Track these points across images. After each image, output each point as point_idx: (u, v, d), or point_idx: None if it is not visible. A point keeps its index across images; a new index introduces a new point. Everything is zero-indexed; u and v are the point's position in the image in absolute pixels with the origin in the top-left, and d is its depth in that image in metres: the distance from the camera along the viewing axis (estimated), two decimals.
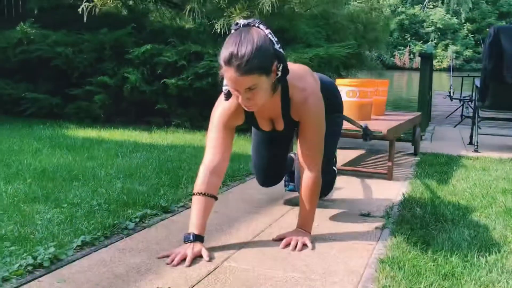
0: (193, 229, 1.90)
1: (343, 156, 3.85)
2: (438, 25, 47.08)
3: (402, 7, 49.65)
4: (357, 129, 3.07)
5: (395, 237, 2.07)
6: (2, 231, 1.93)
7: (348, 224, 2.32)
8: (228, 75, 1.76)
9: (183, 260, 1.79)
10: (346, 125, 2.83)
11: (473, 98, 5.55)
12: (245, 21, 1.81)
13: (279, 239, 2.01)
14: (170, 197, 2.56)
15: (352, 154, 4.18)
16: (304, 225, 2.06)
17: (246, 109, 1.89)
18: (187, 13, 5.07)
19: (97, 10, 5.50)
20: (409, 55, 45.58)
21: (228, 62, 1.72)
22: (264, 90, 1.81)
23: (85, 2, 5.20)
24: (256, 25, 1.80)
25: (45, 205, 2.32)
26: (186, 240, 1.88)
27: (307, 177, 2.02)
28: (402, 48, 45.90)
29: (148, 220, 2.27)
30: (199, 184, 1.95)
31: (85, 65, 5.79)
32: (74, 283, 1.58)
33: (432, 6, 49.50)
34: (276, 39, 1.82)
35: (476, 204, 2.66)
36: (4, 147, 3.83)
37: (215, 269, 1.74)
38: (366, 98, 3.75)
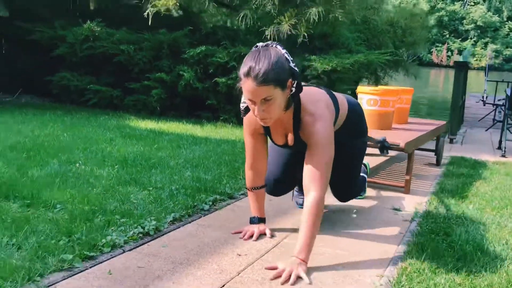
0: (256, 213, 2.40)
1: None
2: (478, 23, 46.30)
3: (442, 3, 48.98)
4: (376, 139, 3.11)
5: (421, 227, 2.53)
6: (111, 206, 2.48)
7: (381, 216, 2.79)
8: (246, 86, 1.91)
9: (251, 236, 2.30)
10: None
11: (505, 104, 5.86)
12: (264, 43, 1.99)
13: (271, 269, 1.97)
14: (232, 186, 3.07)
15: (373, 161, 4.06)
16: (301, 253, 1.97)
17: (261, 123, 2.04)
18: (240, 18, 5.56)
19: (158, 11, 6.06)
20: (447, 52, 45.02)
21: (247, 74, 1.89)
22: (278, 103, 1.95)
23: (150, 8, 5.73)
24: (274, 45, 1.99)
25: (135, 188, 2.86)
26: (252, 221, 2.39)
27: (309, 199, 2.02)
28: (440, 45, 45.38)
29: (218, 203, 2.79)
30: (247, 182, 2.39)
31: (144, 62, 6.37)
32: (174, 248, 2.11)
33: (473, 3, 48.64)
34: (291, 58, 1.99)
35: (494, 205, 3.08)
36: (82, 135, 4.42)
37: (277, 243, 2.25)
38: (388, 107, 3.74)
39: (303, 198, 2.48)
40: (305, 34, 5.36)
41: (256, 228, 2.34)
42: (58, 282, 1.70)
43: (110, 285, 1.72)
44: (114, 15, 7.05)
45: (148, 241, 2.16)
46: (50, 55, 6.71)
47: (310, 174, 2.03)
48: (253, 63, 1.89)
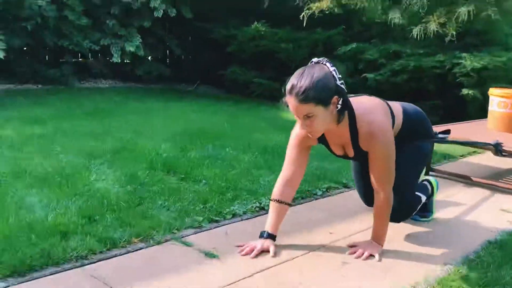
0: (268, 227, 2.30)
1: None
2: None
3: None
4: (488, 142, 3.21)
5: None
6: (241, 185, 3.13)
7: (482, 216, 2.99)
8: (289, 103, 2.03)
9: (252, 252, 2.21)
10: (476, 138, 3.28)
11: None
12: (317, 59, 2.10)
13: (352, 246, 2.33)
14: (349, 177, 3.50)
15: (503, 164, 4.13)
16: (376, 238, 2.31)
17: (310, 136, 2.15)
18: (389, 20, 5.82)
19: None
20: None
21: (290, 91, 2.01)
22: (321, 119, 2.04)
23: (305, 10, 6.30)
24: (324, 62, 2.07)
25: (266, 171, 3.48)
26: (261, 236, 2.28)
27: (377, 199, 2.25)
28: None
29: (332, 191, 3.26)
30: (275, 192, 2.32)
31: (301, 59, 6.98)
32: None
33: None
34: (339, 76, 2.05)
35: None
36: (240, 124, 5.21)
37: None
38: None
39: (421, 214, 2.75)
40: (454, 33, 5.41)
41: (259, 244, 2.24)
42: (188, 235, 2.38)
43: (224, 242, 2.35)
44: (279, 15, 7.78)
45: (262, 214, 2.75)
46: (224, 52, 7.72)
47: (377, 179, 2.20)
48: (296, 81, 2.00)
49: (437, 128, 3.25)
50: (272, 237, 2.29)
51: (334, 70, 2.05)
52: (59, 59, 7.24)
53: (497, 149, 3.17)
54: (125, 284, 1.88)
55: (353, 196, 3.12)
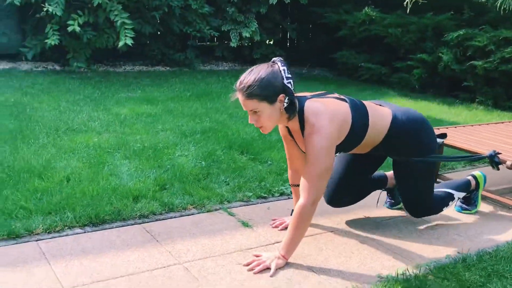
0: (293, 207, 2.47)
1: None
2: None
3: None
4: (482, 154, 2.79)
5: None
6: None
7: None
8: (238, 98, 2.15)
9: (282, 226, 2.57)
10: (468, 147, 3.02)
11: None
12: (275, 59, 2.17)
13: (256, 256, 2.25)
14: None
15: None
16: (283, 249, 2.20)
17: (261, 131, 2.22)
18: (499, 4, 5.59)
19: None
20: None
21: (237, 87, 2.12)
22: (267, 115, 2.12)
23: None
24: (277, 61, 2.14)
25: None
26: (291, 214, 2.45)
27: (298, 205, 2.17)
28: None
29: None
30: (289, 178, 2.59)
31: (410, 44, 6.96)
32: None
33: None
34: (288, 75, 2.09)
35: None
36: None
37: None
38: None
39: (389, 201, 2.92)
40: None
41: (287, 220, 2.57)
42: (235, 207, 2.84)
43: (262, 216, 2.76)
44: (389, 0, 7.75)
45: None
46: (336, 36, 7.95)
47: (303, 183, 2.16)
48: (244, 77, 2.11)
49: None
50: None
51: (284, 70, 2.11)
52: (185, 44, 8.04)
53: (493, 162, 2.62)
54: (169, 239, 2.39)
55: None
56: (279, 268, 2.19)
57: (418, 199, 2.59)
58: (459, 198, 2.84)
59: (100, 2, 6.15)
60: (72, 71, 6.71)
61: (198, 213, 2.74)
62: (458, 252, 2.43)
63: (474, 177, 2.94)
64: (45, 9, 5.98)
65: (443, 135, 2.83)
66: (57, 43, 6.19)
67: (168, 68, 7.84)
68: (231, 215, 2.73)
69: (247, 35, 7.72)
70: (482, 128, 3.67)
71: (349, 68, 7.86)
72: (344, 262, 2.30)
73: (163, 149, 3.67)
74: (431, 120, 4.96)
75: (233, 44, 7.80)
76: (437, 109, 5.90)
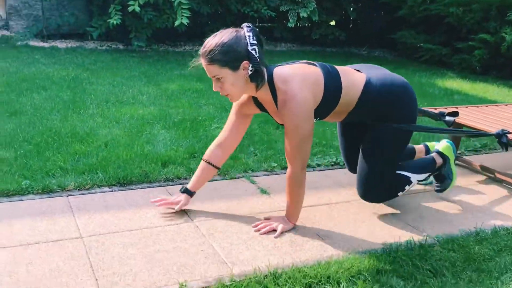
0: (190, 183, 2.40)
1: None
2: None
3: None
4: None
5: None
6: (333, 143, 3.51)
7: None
8: (202, 63, 2.07)
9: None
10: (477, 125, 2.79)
11: None
12: (243, 24, 2.09)
13: (267, 218, 2.34)
14: None
15: None
16: (287, 216, 2.29)
17: (230, 100, 2.16)
18: None
19: None
20: None
21: (201, 51, 2.04)
22: (230, 82, 2.04)
23: None
24: (244, 27, 2.06)
25: None
26: (180, 190, 2.41)
27: (288, 174, 2.21)
28: None
29: None
30: (206, 153, 2.39)
31: (472, 23, 6.67)
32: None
33: None
34: (254, 42, 2.01)
35: None
36: None
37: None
38: None
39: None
40: None
41: (172, 198, 2.43)
42: (258, 176, 2.93)
43: (282, 185, 2.82)
44: None
45: (334, 169, 3.13)
46: (396, 16, 7.75)
47: (287, 152, 2.17)
48: (207, 41, 2.04)
49: (444, 109, 2.90)
50: (188, 192, 2.39)
51: (249, 36, 2.03)
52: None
53: (501, 141, 2.50)
54: (200, 201, 2.51)
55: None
56: (286, 232, 2.27)
57: (378, 176, 2.37)
58: (420, 180, 2.59)
59: None
60: (134, 50, 7.03)
61: (221, 179, 2.86)
62: (474, 227, 2.40)
63: (439, 152, 2.68)
64: None
65: (455, 113, 2.64)
66: (118, 23, 6.51)
67: None
68: (252, 183, 2.83)
69: (305, 15, 7.71)
70: (507, 108, 3.45)
71: (409, 49, 7.67)
72: (352, 230, 2.34)
73: (201, 121, 3.82)
74: (483, 102, 4.80)
75: (291, 24, 7.82)
76: (495, 91, 5.66)
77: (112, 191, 2.62)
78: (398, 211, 2.57)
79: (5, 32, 7.08)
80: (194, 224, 2.30)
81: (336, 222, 2.42)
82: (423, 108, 2.85)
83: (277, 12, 7.93)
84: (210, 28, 7.94)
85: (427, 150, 2.83)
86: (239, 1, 7.68)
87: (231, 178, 2.88)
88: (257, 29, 2.10)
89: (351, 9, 8.63)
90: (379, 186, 2.41)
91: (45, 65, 5.59)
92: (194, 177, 2.42)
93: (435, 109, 2.91)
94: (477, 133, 2.74)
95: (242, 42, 2.02)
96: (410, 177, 2.49)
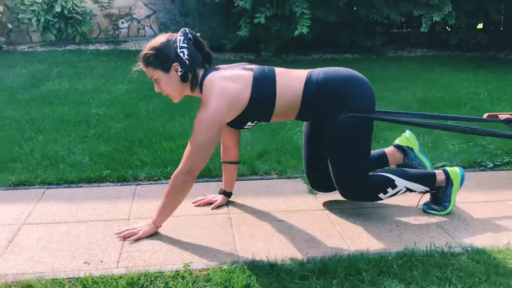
0: (223, 185, 2.65)
1: None
2: None
3: None
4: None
5: None
6: None
7: None
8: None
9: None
10: None
11: None
12: (182, 29, 2.22)
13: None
14: None
15: None
16: (154, 215, 2.27)
17: (172, 100, 2.29)
18: None
19: None
20: None
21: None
22: (165, 83, 2.20)
23: None
24: (180, 30, 2.21)
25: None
26: (219, 192, 2.67)
27: (173, 174, 2.20)
28: None
29: None
30: (220, 155, 2.61)
31: None
32: None
33: None
34: (184, 45, 2.14)
35: None
36: (499, 97, 5.00)
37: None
38: None
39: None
40: None
41: (210, 197, 2.65)
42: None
43: None
44: None
45: None
46: None
47: (185, 152, 2.19)
48: (145, 46, 2.23)
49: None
50: (225, 193, 2.65)
51: (180, 40, 2.16)
52: (374, 30, 8.06)
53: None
54: (233, 196, 2.73)
55: None
56: (300, 230, 2.35)
57: (351, 172, 2.36)
58: (408, 189, 2.43)
59: None
60: (263, 60, 7.44)
61: (277, 178, 3.01)
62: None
63: (446, 172, 2.49)
64: (236, 4, 6.80)
65: None
66: (247, 35, 6.97)
67: (356, 55, 8.00)
68: (306, 183, 2.93)
69: (438, 19, 7.35)
70: None
71: None
72: (381, 233, 2.33)
73: (287, 125, 3.98)
74: None
75: (424, 29, 7.51)
76: None
77: None
78: (444, 219, 2.47)
79: None
80: (228, 216, 2.51)
81: (370, 224, 2.42)
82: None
83: (410, 17, 7.70)
84: (339, 36, 8.05)
85: (403, 150, 2.73)
86: (368, 8, 7.65)
87: (287, 178, 3.02)
88: (195, 34, 2.23)
89: (495, 11, 7.95)
90: (352, 185, 2.39)
91: None
92: (224, 179, 2.65)
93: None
94: (477, 132, 2.49)
95: (172, 45, 2.17)
96: (395, 180, 2.40)
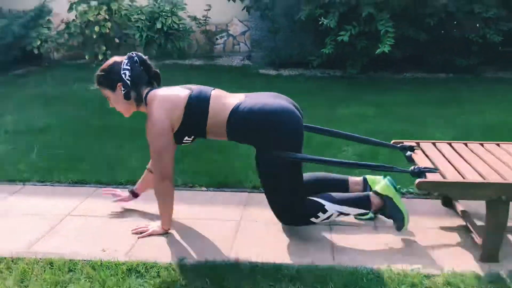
0: (136, 186, 2.97)
1: None
2: None
3: None
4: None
5: None
6: None
7: None
8: None
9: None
10: None
11: None
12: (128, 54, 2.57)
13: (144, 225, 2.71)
14: None
15: None
16: (161, 221, 2.65)
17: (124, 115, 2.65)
18: None
19: None
20: None
21: None
22: (113, 100, 2.60)
23: None
24: (125, 56, 2.57)
25: None
26: (128, 189, 3.00)
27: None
28: None
29: None
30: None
31: None
32: None
33: None
34: (127, 67, 2.50)
35: None
36: None
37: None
38: None
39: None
40: None
41: (120, 192, 3.01)
42: None
43: None
44: None
45: None
46: None
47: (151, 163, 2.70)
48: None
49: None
50: (132, 192, 2.98)
51: (124, 62, 2.54)
52: (469, 50, 7.73)
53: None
54: (259, 206, 2.97)
55: None
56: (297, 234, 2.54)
57: (281, 202, 2.52)
58: (340, 212, 2.54)
59: (370, 12, 6.77)
60: (349, 77, 7.54)
61: None
62: None
63: (377, 193, 2.58)
64: (320, 22, 7.00)
65: (411, 148, 2.68)
66: (331, 52, 7.12)
67: (450, 74, 7.76)
68: None
69: None
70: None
71: None
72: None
73: (334, 143, 4.05)
74: None
75: None
76: None
77: (207, 190, 3.27)
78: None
79: (247, 62, 8.49)
80: (238, 222, 2.77)
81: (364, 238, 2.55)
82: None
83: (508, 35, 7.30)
84: (432, 54, 7.87)
85: (365, 183, 2.72)
86: (462, 27, 7.40)
87: None
88: (143, 57, 2.59)
89: None
90: (283, 213, 2.56)
91: (261, 90, 6.53)
92: (139, 182, 2.97)
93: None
94: (386, 169, 2.56)
95: (116, 67, 2.53)
96: (324, 205, 2.50)
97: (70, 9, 7.99)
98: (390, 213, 2.58)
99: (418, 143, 2.85)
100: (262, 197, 2.67)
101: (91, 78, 2.70)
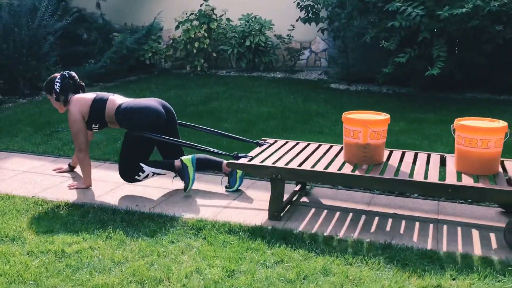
0: (72, 162, 4.57)
1: None
2: None
3: None
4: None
5: None
6: None
7: None
8: None
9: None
10: None
11: None
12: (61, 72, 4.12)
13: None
14: None
15: None
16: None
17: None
18: None
19: None
20: None
21: None
22: (53, 103, 4.18)
23: None
24: (60, 73, 4.10)
25: None
26: (69, 164, 4.60)
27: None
28: None
29: None
30: None
31: None
32: None
33: None
34: (58, 81, 4.05)
35: None
36: None
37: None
38: None
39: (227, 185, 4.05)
40: None
41: (62, 166, 4.60)
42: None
43: None
44: None
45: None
46: None
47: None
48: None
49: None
50: (70, 166, 4.59)
51: (57, 77, 4.09)
52: None
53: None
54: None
55: None
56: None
57: (122, 163, 3.96)
58: (154, 172, 3.96)
59: (425, 37, 7.44)
60: (411, 94, 8.21)
61: None
62: None
63: (181, 160, 3.95)
64: (381, 45, 7.80)
65: (258, 143, 4.19)
66: (390, 72, 7.87)
67: None
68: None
69: None
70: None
71: None
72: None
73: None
74: None
75: None
76: None
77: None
78: None
79: (323, 77, 9.47)
80: (250, 192, 3.94)
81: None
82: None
83: None
84: (496, 76, 8.24)
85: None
86: None
87: None
88: (71, 74, 4.13)
89: None
90: (122, 169, 3.98)
91: (322, 103, 7.53)
92: (74, 158, 4.48)
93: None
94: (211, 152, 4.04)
95: (52, 80, 4.12)
96: (143, 167, 3.94)
97: (177, 27, 9.66)
98: (182, 175, 3.95)
99: (265, 140, 4.21)
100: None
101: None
